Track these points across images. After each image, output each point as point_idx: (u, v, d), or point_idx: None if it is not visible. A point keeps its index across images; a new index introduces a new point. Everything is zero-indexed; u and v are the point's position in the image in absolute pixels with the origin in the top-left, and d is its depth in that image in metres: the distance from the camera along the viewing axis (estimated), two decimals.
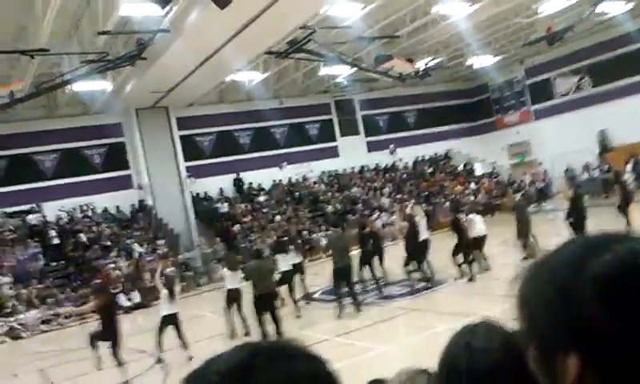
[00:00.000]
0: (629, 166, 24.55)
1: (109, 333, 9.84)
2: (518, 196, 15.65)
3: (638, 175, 24.73)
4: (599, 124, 27.67)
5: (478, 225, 13.58)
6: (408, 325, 11.16)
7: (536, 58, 30.12)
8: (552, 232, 16.71)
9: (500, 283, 11.77)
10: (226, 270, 12.48)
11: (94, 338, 10.12)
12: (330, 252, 12.83)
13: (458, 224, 13.61)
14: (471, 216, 13.92)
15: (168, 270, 19.33)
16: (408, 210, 14.72)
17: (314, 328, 11.66)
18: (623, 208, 15.06)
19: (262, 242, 20.89)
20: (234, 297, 11.83)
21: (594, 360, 0.69)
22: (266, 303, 10.55)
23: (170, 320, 10.53)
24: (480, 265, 13.58)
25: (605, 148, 27.80)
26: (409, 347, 9.16)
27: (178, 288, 11.17)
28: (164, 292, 10.71)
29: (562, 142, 28.15)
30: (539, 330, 0.75)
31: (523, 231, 14.15)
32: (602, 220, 18.26)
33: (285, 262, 13.21)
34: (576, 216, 13.81)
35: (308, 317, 12.73)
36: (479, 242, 13.55)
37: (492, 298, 10.46)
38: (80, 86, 20.23)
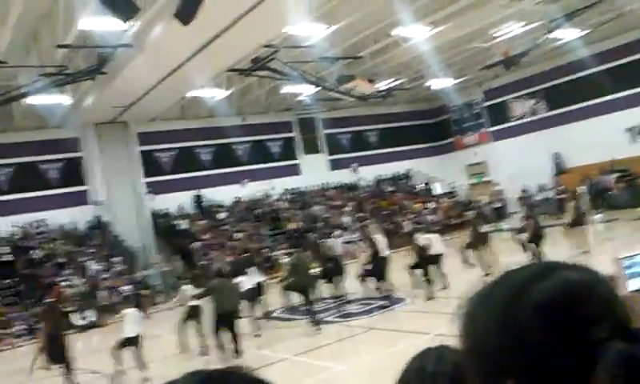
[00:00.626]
0: (583, 188, 25.27)
1: (57, 354, 9.51)
2: (472, 213, 16.08)
3: (592, 197, 25.48)
4: (554, 146, 28.56)
5: (435, 244, 13.82)
6: (367, 343, 11.18)
7: (494, 82, 30.91)
8: (508, 250, 17.04)
9: (455, 301, 12.00)
10: (189, 286, 12.33)
11: (45, 361, 9.73)
12: (290, 272, 12.83)
13: (416, 246, 13.78)
14: (429, 235, 14.18)
15: (123, 288, 19.07)
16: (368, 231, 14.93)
17: (273, 347, 11.58)
18: (573, 227, 15.49)
19: (220, 261, 20.69)
20: (194, 313, 11.68)
21: None
22: (226, 321, 10.51)
23: (132, 342, 10.24)
24: (438, 282, 13.77)
25: (560, 169, 28.64)
26: (367, 366, 9.18)
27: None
28: (130, 311, 10.47)
29: (519, 163, 28.90)
30: (479, 355, 0.77)
31: (476, 245, 14.52)
32: (555, 239, 18.77)
33: (247, 280, 13.10)
34: (532, 236, 14.19)
35: (267, 335, 12.63)
36: (436, 259, 13.76)
37: (450, 317, 10.59)
38: (37, 100, 19.74)
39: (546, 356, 0.70)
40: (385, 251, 13.98)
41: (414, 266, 13.76)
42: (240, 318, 11.19)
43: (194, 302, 11.74)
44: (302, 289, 12.07)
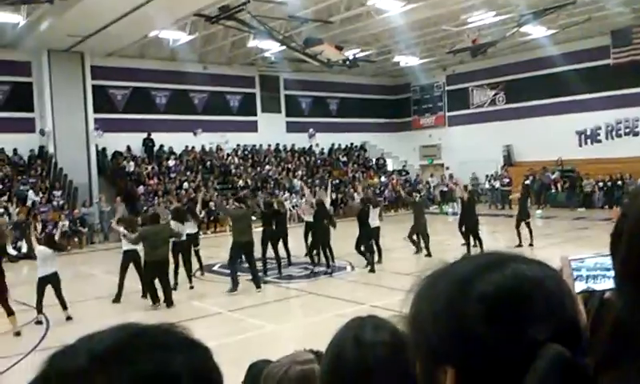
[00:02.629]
0: (527, 183, 25.96)
1: None
2: (418, 196, 16.30)
3: (535, 192, 26.23)
4: (506, 138, 29.21)
5: (374, 217, 13.97)
6: (302, 306, 11.28)
7: (458, 67, 31.17)
8: (448, 233, 17.44)
9: (394, 275, 12.24)
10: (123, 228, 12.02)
11: None
12: (232, 227, 12.71)
13: (365, 215, 13.84)
14: (372, 208, 14.32)
15: (61, 223, 18.55)
16: (314, 196, 14.94)
17: (208, 300, 11.54)
18: (520, 222, 15.91)
19: (164, 208, 20.37)
20: (131, 259, 11.44)
21: (470, 376, 0.72)
22: (157, 270, 10.43)
23: (48, 280, 9.90)
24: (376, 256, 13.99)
25: (508, 161, 29.33)
26: (300, 328, 9.27)
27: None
28: (41, 249, 9.99)
29: (471, 150, 29.42)
30: (425, 342, 0.77)
31: (417, 229, 14.78)
32: (497, 228, 19.30)
33: (182, 230, 12.82)
34: (468, 222, 14.55)
35: (202, 289, 12.57)
36: (376, 231, 13.94)
37: (384, 290, 10.82)
38: None
39: (487, 348, 0.70)
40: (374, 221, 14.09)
41: (360, 238, 13.85)
42: (168, 267, 10.96)
43: (127, 247, 11.43)
44: (242, 244, 11.93)
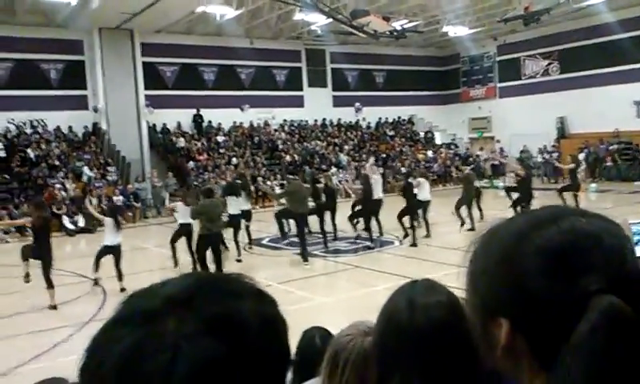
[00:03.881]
0: (582, 156, 25.17)
1: (40, 251, 9.57)
2: (468, 169, 15.98)
3: (589, 165, 25.43)
4: (560, 110, 28.24)
5: (424, 189, 13.82)
6: (350, 280, 11.31)
7: (509, 37, 30.24)
8: (500, 208, 17.10)
9: (441, 250, 12.11)
10: (180, 204, 12.30)
11: (25, 253, 9.90)
12: (286, 199, 12.78)
13: (408, 189, 13.69)
14: (421, 179, 14.16)
15: (115, 199, 19.08)
16: (366, 169, 14.84)
17: (257, 273, 11.64)
18: (568, 191, 15.50)
19: (215, 182, 20.67)
20: (184, 232, 11.69)
21: (525, 328, 0.72)
22: (211, 242, 10.55)
23: (111, 250, 10.38)
24: (423, 230, 13.81)
25: (562, 134, 28.43)
26: (348, 301, 9.29)
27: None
28: (108, 220, 10.50)
29: (522, 122, 28.64)
30: (480, 293, 0.79)
31: (465, 202, 14.59)
32: (550, 201, 18.76)
33: (235, 205, 13.06)
34: (522, 197, 14.22)
35: (251, 262, 12.74)
36: (425, 205, 13.79)
37: (433, 264, 10.72)
38: None
39: (542, 300, 0.70)
40: (378, 194, 13.97)
41: (403, 210, 13.70)
42: (223, 240, 11.13)
43: (184, 220, 11.72)
44: (296, 216, 12.02)
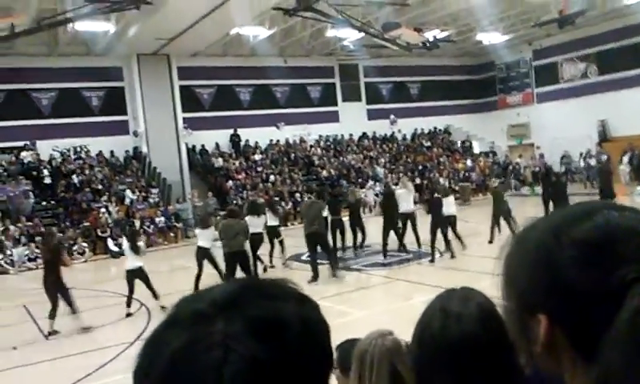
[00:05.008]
0: (625, 158, 24.52)
1: (47, 285, 9.62)
2: (497, 182, 15.56)
3: (634, 168, 24.74)
4: (601, 113, 27.55)
5: (449, 205, 13.52)
6: (387, 293, 11.26)
7: (545, 41, 29.78)
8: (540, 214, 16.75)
9: (482, 259, 11.92)
10: (198, 229, 12.48)
11: (51, 313, 9.69)
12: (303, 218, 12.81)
13: (430, 203, 13.51)
14: (406, 184, 13.93)
15: (157, 220, 19.40)
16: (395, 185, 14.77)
17: (304, 293, 11.70)
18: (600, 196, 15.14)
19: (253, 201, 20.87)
20: (201, 255, 11.74)
21: (564, 322, 0.73)
22: (235, 260, 10.77)
23: (134, 274, 10.44)
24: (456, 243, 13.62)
25: (604, 137, 27.74)
26: (386, 314, 9.23)
27: (141, 243, 10.99)
28: (125, 245, 10.66)
29: (562, 127, 28.05)
30: (517, 291, 0.79)
31: (496, 217, 14.21)
32: None
33: (256, 224, 12.90)
34: (554, 197, 13.86)
35: (287, 278, 12.74)
36: (451, 220, 13.51)
37: (471, 274, 10.55)
38: (82, 26, 19.94)
39: (579, 293, 0.71)
40: (408, 206, 13.85)
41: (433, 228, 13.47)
42: (246, 256, 11.16)
43: (201, 243, 11.80)
44: (307, 235, 11.95)
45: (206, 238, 11.82)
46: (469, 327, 1.24)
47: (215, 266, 11.54)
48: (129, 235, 11.08)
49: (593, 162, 26.18)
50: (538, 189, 25.06)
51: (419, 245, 14.05)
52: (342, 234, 13.65)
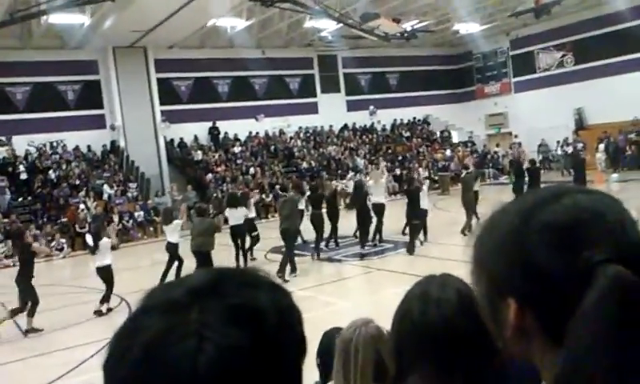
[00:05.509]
0: (601, 146, 24.86)
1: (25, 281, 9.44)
2: (465, 172, 15.61)
3: (610, 155, 25.11)
4: (577, 101, 27.91)
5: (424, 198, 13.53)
6: (370, 282, 11.31)
7: (521, 31, 30.02)
8: None
9: (458, 249, 11.99)
10: (163, 225, 12.41)
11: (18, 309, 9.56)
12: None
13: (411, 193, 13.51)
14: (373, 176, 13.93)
15: (137, 214, 19.15)
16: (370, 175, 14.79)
17: (276, 281, 11.69)
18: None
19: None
20: (169, 249, 11.69)
21: (533, 305, 0.73)
22: (196, 258, 10.74)
23: (103, 271, 10.25)
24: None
25: (580, 125, 28.10)
26: (371, 304, 9.26)
27: (106, 239, 10.49)
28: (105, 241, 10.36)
29: (540, 116, 28.36)
30: (487, 275, 0.79)
31: (465, 205, 14.23)
32: None
33: (236, 217, 12.87)
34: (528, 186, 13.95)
35: (271, 269, 12.74)
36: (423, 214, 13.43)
37: (452, 263, 10.62)
38: (57, 18, 19.62)
39: (548, 275, 0.71)
40: (378, 198, 13.89)
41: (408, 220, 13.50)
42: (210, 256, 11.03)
43: (170, 239, 11.72)
44: (284, 233, 11.88)
45: (170, 232, 11.78)
46: (448, 312, 1.24)
47: (179, 261, 11.44)
48: (92, 232, 10.73)
49: (570, 150, 26.50)
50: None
51: (380, 238, 14.06)
52: (321, 227, 13.57)
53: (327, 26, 24.38)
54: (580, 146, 25.49)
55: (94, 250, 10.34)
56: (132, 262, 14.93)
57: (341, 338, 1.74)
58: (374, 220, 14.04)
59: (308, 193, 14.70)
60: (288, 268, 11.45)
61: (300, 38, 27.64)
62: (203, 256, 10.79)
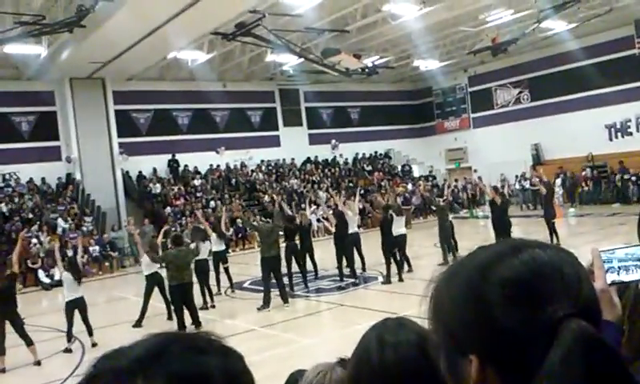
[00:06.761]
0: (558, 181, 25.44)
1: (6, 315, 9.10)
2: (441, 201, 15.78)
3: (566, 190, 25.70)
4: (534, 137, 28.63)
5: (401, 225, 13.54)
6: (335, 319, 11.10)
7: (479, 68, 30.81)
8: (481, 239, 17.05)
9: (423, 284, 11.95)
10: (145, 256, 11.94)
11: None
12: (260, 242, 12.54)
13: (388, 223, 13.47)
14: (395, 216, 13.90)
15: (92, 249, 18.63)
16: (340, 205, 14.73)
17: (239, 318, 11.41)
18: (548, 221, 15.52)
19: (193, 227, 20.37)
20: (154, 282, 11.35)
21: (495, 362, 0.71)
22: (183, 293, 10.23)
23: (75, 305, 9.93)
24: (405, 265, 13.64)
25: (537, 161, 28.75)
26: (334, 341, 9.07)
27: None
28: (66, 275, 10.00)
29: (498, 151, 28.95)
30: (447, 331, 0.77)
31: (443, 235, 14.32)
32: (530, 229, 18.88)
33: (203, 250, 12.51)
34: (500, 225, 14.04)
35: (232, 306, 12.46)
36: (400, 240, 13.47)
37: (416, 299, 10.53)
38: (12, 49, 19.12)
39: (509, 332, 0.70)
40: (353, 228, 13.81)
41: (384, 249, 13.45)
42: (191, 289, 10.67)
43: (149, 271, 11.39)
44: (269, 259, 11.67)
45: (144, 265, 11.45)
46: (407, 353, 1.23)
47: (165, 297, 11.19)
48: (68, 265, 10.35)
49: (527, 184, 27.02)
50: (477, 211, 25.74)
51: (364, 268, 13.99)
52: (297, 259, 13.33)
53: (289, 61, 24.49)
54: (537, 180, 25.90)
55: (80, 280, 10.06)
56: (88, 299, 14.34)
57: (304, 382, 1.66)
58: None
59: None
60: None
61: (261, 71, 27.68)
62: (190, 289, 10.39)
